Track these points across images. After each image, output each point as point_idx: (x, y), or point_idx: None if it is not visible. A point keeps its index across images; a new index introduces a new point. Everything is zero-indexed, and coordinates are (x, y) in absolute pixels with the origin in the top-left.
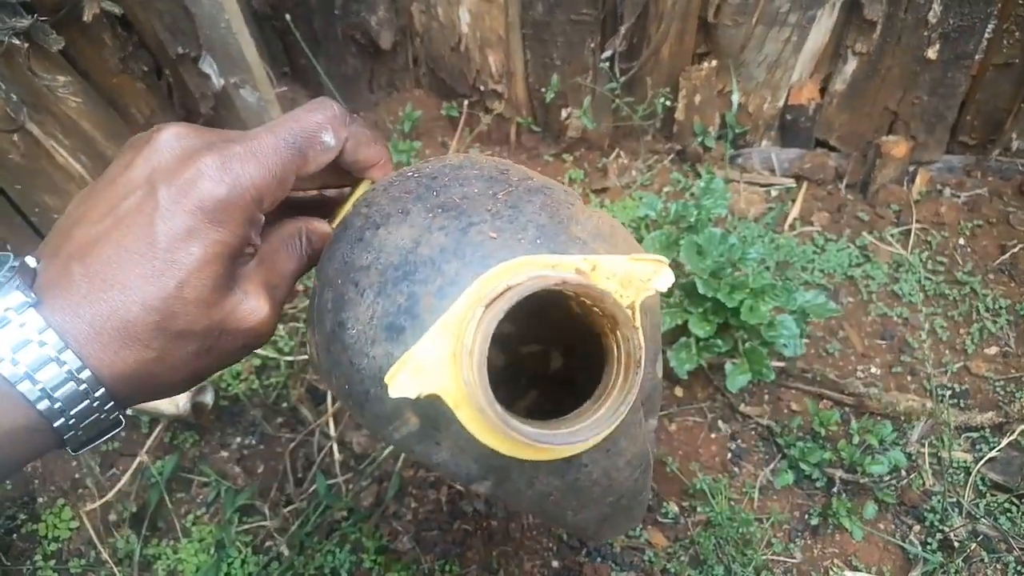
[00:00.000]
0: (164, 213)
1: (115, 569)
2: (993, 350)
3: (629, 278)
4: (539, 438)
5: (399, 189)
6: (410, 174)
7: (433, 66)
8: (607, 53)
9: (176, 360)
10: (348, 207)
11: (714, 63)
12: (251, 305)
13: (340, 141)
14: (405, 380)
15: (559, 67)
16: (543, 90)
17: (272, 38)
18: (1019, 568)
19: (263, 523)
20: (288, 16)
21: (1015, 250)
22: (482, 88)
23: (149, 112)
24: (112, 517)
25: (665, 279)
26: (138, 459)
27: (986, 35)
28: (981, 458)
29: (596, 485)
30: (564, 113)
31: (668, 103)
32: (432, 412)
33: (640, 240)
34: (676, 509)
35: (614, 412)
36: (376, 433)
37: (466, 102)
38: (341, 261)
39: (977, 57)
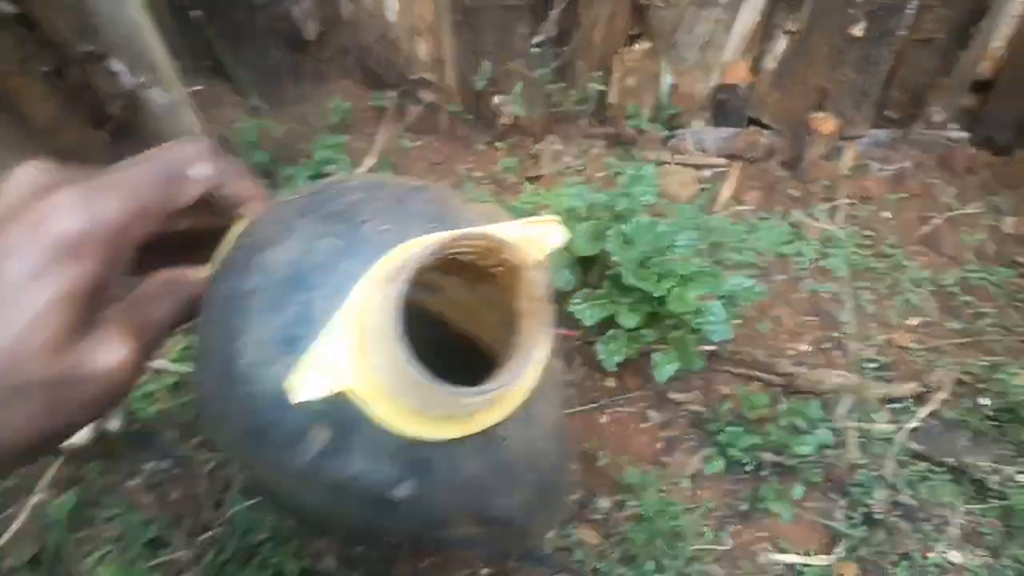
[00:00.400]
0: (12, 251)
1: None
2: (915, 321)
3: (525, 240)
4: (474, 394)
5: (281, 213)
6: (290, 198)
7: (361, 56)
8: (538, 38)
9: (17, 420)
10: (226, 248)
11: (646, 45)
12: (109, 349)
13: (211, 174)
14: (308, 381)
15: (490, 54)
16: (474, 78)
17: (193, 30)
18: (937, 536)
19: (177, 554)
20: (202, 9)
21: (937, 221)
22: (412, 77)
23: (52, 114)
24: (9, 563)
25: (558, 236)
26: (34, 497)
27: (909, 12)
28: (904, 429)
29: (519, 459)
30: (496, 100)
31: (601, 87)
32: (341, 419)
33: (571, 231)
34: (607, 504)
35: (533, 351)
36: (281, 470)
37: (395, 93)
38: (225, 295)
39: (900, 34)
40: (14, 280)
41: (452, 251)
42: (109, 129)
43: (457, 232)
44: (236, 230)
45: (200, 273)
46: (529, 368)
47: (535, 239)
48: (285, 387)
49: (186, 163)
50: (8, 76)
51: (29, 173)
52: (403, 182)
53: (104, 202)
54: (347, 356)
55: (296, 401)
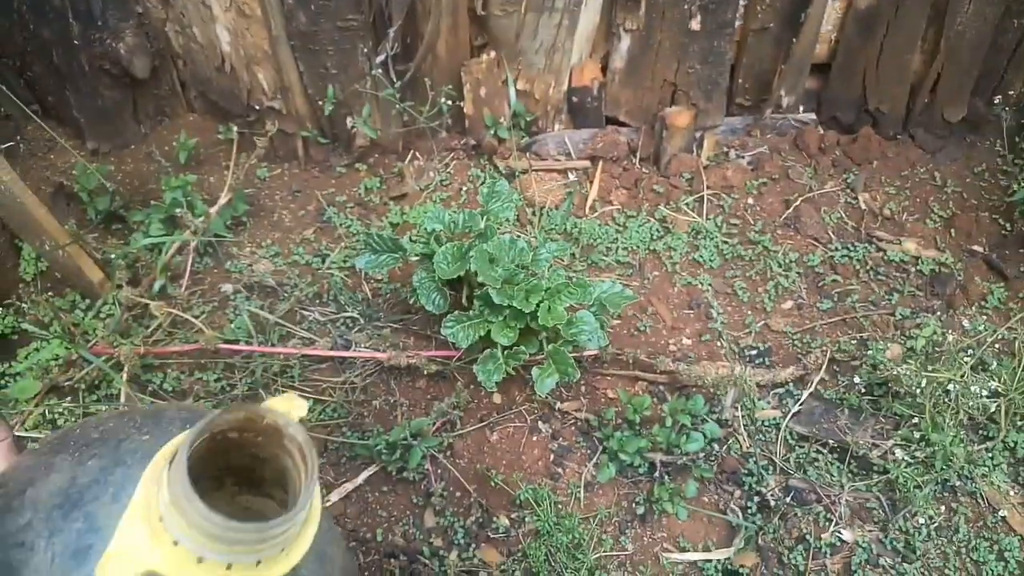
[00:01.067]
0: None
1: None
2: (788, 304)
3: (277, 408)
4: (272, 524)
5: (30, 459)
6: (35, 449)
7: (202, 89)
8: (381, 57)
9: None
10: None
11: (492, 54)
12: None
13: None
14: (116, 572)
15: (335, 76)
16: (321, 102)
17: (10, 75)
18: (828, 516)
19: None
20: (15, 55)
21: (797, 203)
22: (257, 107)
23: None
24: None
25: (300, 407)
26: None
27: (741, 3)
28: (788, 413)
29: None
30: (350, 122)
31: (453, 100)
32: None
33: (432, 254)
34: (506, 522)
35: (308, 493)
36: None
37: (240, 124)
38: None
39: (737, 24)
40: None
41: (218, 429)
42: None
43: (225, 412)
44: None
45: None
46: (304, 510)
47: (282, 409)
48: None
49: None
50: None
51: None
52: (153, 407)
53: None
54: (148, 541)
55: None
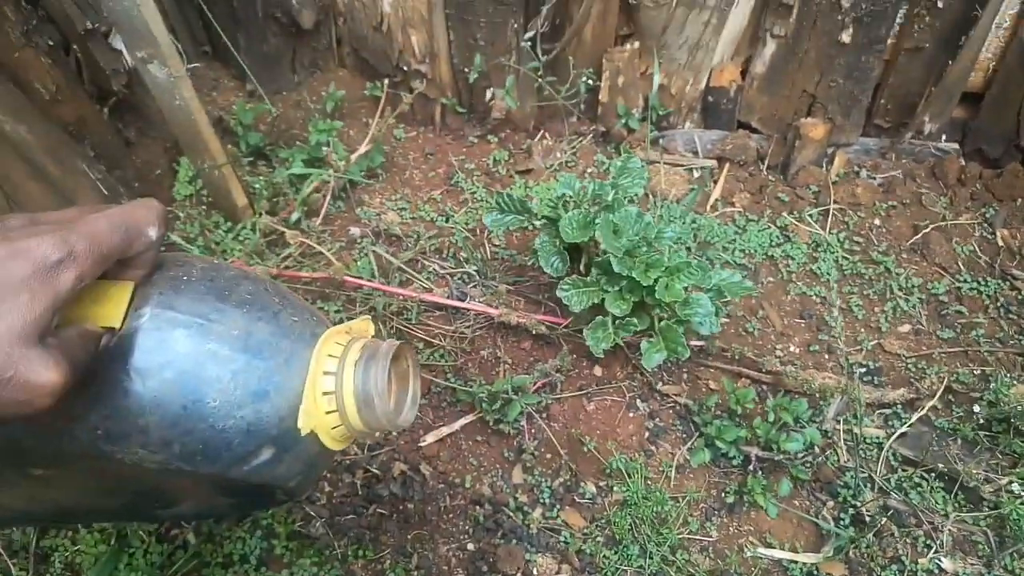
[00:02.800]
0: (6, 261)
1: (10, 563)
2: (906, 328)
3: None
4: (404, 424)
5: (194, 290)
6: (185, 278)
7: (356, 46)
8: (530, 33)
9: None
10: (123, 307)
11: (636, 44)
12: (48, 368)
13: (159, 237)
14: (305, 422)
15: (482, 47)
16: (467, 70)
17: (191, 16)
18: (928, 542)
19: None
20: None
21: (927, 230)
22: (405, 68)
23: (55, 88)
24: None
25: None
26: None
27: (898, 20)
28: (893, 434)
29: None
30: (488, 94)
31: (591, 83)
32: (282, 443)
33: (558, 219)
34: (593, 489)
35: (414, 408)
36: (226, 471)
37: (389, 83)
38: (183, 356)
39: (890, 42)
40: (3, 280)
41: (395, 352)
42: (110, 105)
43: (400, 343)
44: (126, 291)
45: (97, 331)
46: (411, 415)
47: (364, 329)
48: (300, 425)
49: (143, 222)
50: (14, 49)
51: (19, 218)
52: (251, 274)
53: (80, 243)
54: (313, 406)
55: (304, 432)
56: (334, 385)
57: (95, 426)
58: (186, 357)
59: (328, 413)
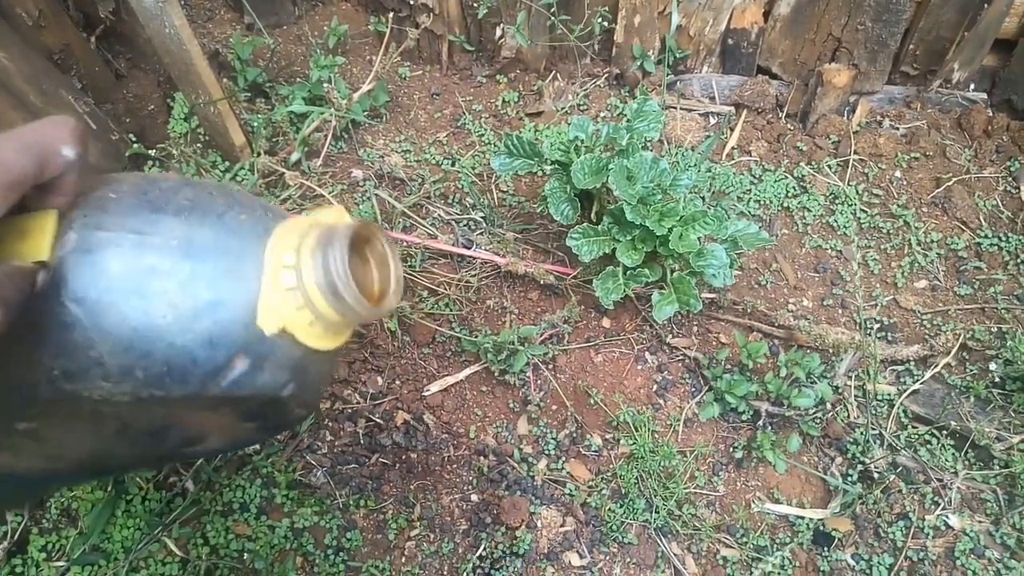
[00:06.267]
0: None
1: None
2: (922, 283)
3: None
4: (385, 312)
5: (123, 206)
6: (113, 196)
7: None
8: None
9: None
10: (48, 238)
11: None
12: None
13: (77, 157)
14: (270, 322)
15: None
16: (476, 5)
17: None
18: (936, 499)
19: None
20: None
21: (949, 184)
22: (411, 2)
23: (38, 13)
24: None
25: (347, 218)
26: None
27: None
28: (905, 391)
29: (329, 368)
30: (498, 31)
31: (606, 23)
32: (255, 349)
33: (569, 164)
34: (599, 441)
35: (399, 292)
36: (203, 389)
37: (393, 16)
38: (119, 276)
39: None
40: None
41: (356, 233)
42: (97, 33)
43: (358, 220)
44: (49, 219)
45: (25, 268)
46: (395, 300)
47: (334, 219)
48: (259, 324)
49: (56, 142)
50: None
51: None
52: (195, 181)
53: None
54: (279, 303)
55: (269, 333)
56: (296, 279)
57: (51, 367)
58: (123, 276)
59: (299, 309)
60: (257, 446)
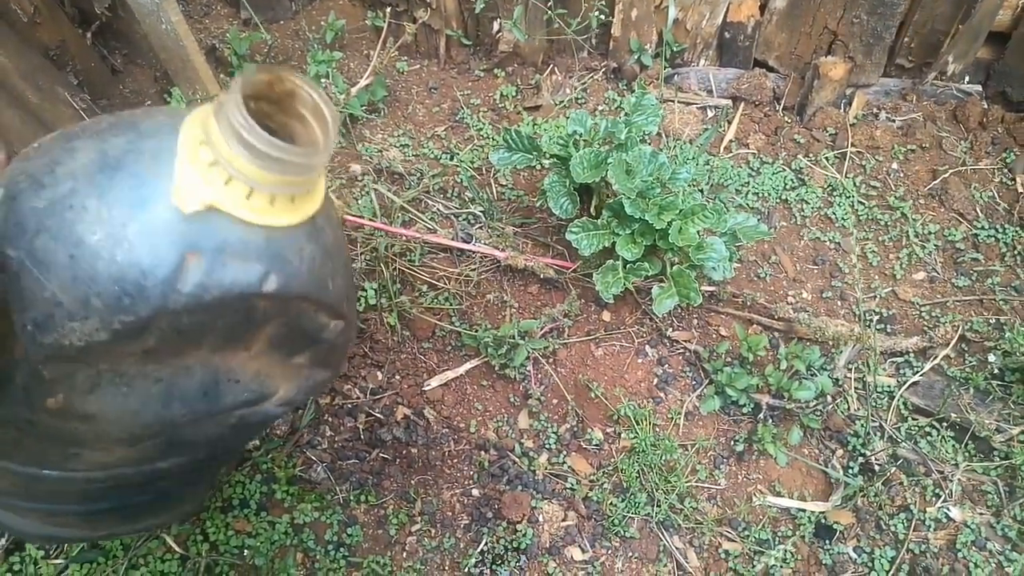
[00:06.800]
0: None
1: None
2: (920, 275)
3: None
4: (314, 153)
5: (40, 153)
6: (36, 146)
7: None
8: None
9: None
10: None
11: None
12: None
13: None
14: (188, 200)
15: None
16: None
17: None
18: (937, 491)
19: None
20: None
21: (946, 175)
22: None
23: (33, 10)
24: None
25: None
26: None
27: None
28: (905, 383)
29: (334, 246)
30: (495, 25)
31: (603, 17)
32: (209, 243)
33: (568, 158)
34: (600, 435)
35: (331, 138)
36: (167, 301)
37: (390, 11)
38: (44, 210)
39: None
40: None
41: (252, 88)
42: (93, 29)
43: (256, 69)
44: None
45: None
46: (329, 153)
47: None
48: (174, 202)
49: None
50: None
51: None
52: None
53: None
54: (202, 181)
55: (188, 212)
56: (212, 153)
57: (24, 325)
58: (46, 209)
59: (228, 183)
60: (256, 441)
